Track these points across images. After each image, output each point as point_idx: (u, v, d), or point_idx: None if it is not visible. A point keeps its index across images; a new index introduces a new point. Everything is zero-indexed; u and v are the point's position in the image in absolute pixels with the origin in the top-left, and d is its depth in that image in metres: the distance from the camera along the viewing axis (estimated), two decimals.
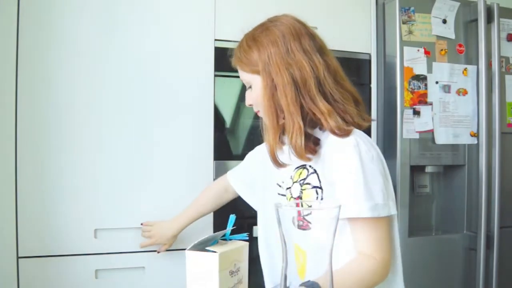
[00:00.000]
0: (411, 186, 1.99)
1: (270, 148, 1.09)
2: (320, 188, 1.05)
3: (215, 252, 0.85)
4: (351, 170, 0.99)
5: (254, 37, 1.11)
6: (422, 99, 1.91)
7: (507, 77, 2.07)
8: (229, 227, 0.97)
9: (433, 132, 1.93)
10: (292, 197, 1.10)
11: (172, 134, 1.62)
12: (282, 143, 1.12)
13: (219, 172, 1.70)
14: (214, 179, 1.67)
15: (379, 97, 1.99)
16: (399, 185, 1.88)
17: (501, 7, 2.00)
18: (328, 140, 1.05)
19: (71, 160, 1.52)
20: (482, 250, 1.93)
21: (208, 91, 1.65)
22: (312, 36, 1.11)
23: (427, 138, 1.92)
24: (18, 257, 1.50)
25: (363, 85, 1.98)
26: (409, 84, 1.90)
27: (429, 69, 1.93)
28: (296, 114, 1.04)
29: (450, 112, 1.96)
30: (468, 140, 2.00)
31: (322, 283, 0.73)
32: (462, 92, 1.98)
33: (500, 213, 1.95)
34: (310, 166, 1.08)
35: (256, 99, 1.12)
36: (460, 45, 2.00)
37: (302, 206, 1.01)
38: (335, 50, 1.88)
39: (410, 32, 1.91)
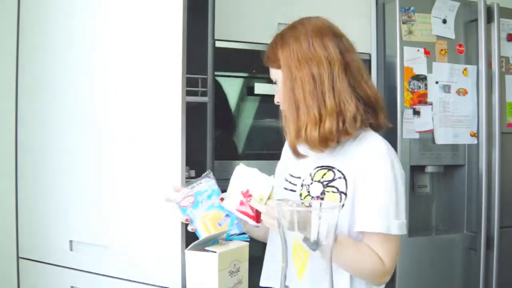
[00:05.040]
0: (411, 186, 1.99)
1: (290, 140, 1.12)
2: (345, 194, 1.07)
3: (214, 252, 0.85)
4: (385, 188, 1.04)
5: (281, 35, 1.17)
6: (422, 99, 1.91)
7: (507, 77, 2.07)
8: (229, 227, 0.98)
9: (433, 132, 1.93)
10: (309, 195, 1.11)
11: (151, 143, 1.40)
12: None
13: (220, 172, 1.70)
14: (222, 180, 1.67)
15: None
16: None
17: (501, 7, 2.00)
18: (360, 145, 1.09)
19: (69, 160, 1.51)
20: (482, 250, 1.93)
21: (176, 94, 1.37)
22: (337, 35, 1.15)
23: (427, 138, 1.92)
24: (18, 257, 1.50)
25: None
26: (409, 84, 1.89)
27: (429, 69, 1.93)
28: (313, 106, 1.08)
29: (450, 112, 1.96)
30: (468, 140, 2.00)
31: (326, 244, 0.76)
32: (462, 92, 1.98)
33: (500, 213, 1.95)
34: (339, 170, 1.10)
35: (279, 94, 1.16)
36: (460, 45, 2.00)
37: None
38: None
39: (410, 32, 1.91)
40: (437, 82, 1.94)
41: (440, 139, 1.94)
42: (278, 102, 1.19)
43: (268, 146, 1.84)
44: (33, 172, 1.53)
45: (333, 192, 1.08)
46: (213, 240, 0.92)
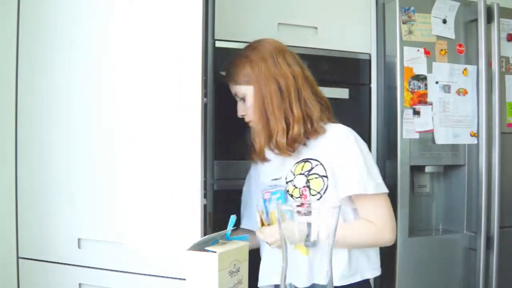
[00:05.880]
0: (411, 186, 1.99)
1: (259, 148, 1.31)
2: (326, 177, 1.23)
3: (214, 252, 0.85)
4: (354, 157, 1.22)
5: (245, 55, 1.33)
6: (422, 99, 1.91)
7: (507, 77, 2.07)
8: (229, 227, 0.98)
9: (433, 132, 1.93)
10: (296, 187, 1.26)
11: (162, 140, 1.43)
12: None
13: (221, 172, 1.70)
14: (220, 180, 1.67)
15: (379, 97, 1.99)
16: (399, 185, 1.88)
17: (501, 7, 2.00)
18: (325, 134, 1.27)
19: (69, 159, 1.51)
20: (482, 250, 1.93)
21: (196, 92, 1.41)
22: (292, 54, 1.34)
23: (427, 138, 1.92)
24: (18, 257, 1.50)
25: (363, 85, 1.98)
26: (409, 84, 1.90)
27: (429, 69, 1.93)
28: (280, 117, 1.25)
29: (450, 112, 1.96)
30: (468, 140, 2.00)
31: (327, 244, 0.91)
32: (462, 92, 1.98)
33: (500, 213, 1.95)
34: (313, 159, 1.26)
35: (248, 109, 1.33)
36: (460, 45, 2.00)
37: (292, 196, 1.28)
38: (335, 50, 1.91)
39: (410, 32, 1.91)
40: (437, 82, 1.94)
41: (440, 139, 1.94)
42: (242, 115, 1.37)
43: None
44: (34, 171, 1.53)
45: (316, 178, 1.24)
46: (213, 240, 0.92)
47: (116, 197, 1.44)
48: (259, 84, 1.27)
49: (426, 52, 1.93)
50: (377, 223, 1.19)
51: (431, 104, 1.92)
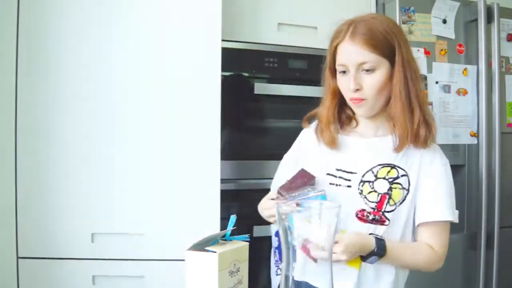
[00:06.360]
0: None
1: (402, 140, 1.13)
2: (408, 190, 1.13)
3: (214, 252, 0.85)
4: (447, 185, 1.15)
5: (390, 26, 1.13)
6: None
7: (507, 77, 2.07)
8: (230, 227, 0.98)
9: None
10: (375, 191, 1.12)
11: (176, 136, 1.55)
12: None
13: (226, 171, 1.70)
14: (220, 180, 1.67)
15: None
16: None
17: (501, 7, 2.00)
18: (418, 147, 1.15)
19: (70, 159, 1.51)
20: (482, 250, 1.93)
21: (214, 91, 1.58)
22: None
23: None
24: (18, 257, 1.50)
25: None
26: None
27: (429, 69, 1.93)
28: (423, 106, 1.15)
29: (450, 112, 1.96)
30: (468, 140, 2.00)
31: (389, 245, 1.05)
32: (462, 92, 1.98)
33: (500, 213, 1.95)
34: (401, 168, 1.14)
35: (374, 84, 1.11)
36: (460, 45, 2.00)
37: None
38: None
39: (410, 32, 1.91)
40: (437, 82, 1.94)
41: (440, 139, 1.94)
42: (357, 90, 1.11)
43: (268, 146, 1.84)
44: (32, 171, 1.53)
45: (399, 189, 1.12)
46: (213, 240, 0.92)
47: (130, 192, 1.51)
48: (403, 63, 1.12)
49: (426, 52, 1.92)
50: (439, 250, 1.16)
51: (431, 104, 1.92)
